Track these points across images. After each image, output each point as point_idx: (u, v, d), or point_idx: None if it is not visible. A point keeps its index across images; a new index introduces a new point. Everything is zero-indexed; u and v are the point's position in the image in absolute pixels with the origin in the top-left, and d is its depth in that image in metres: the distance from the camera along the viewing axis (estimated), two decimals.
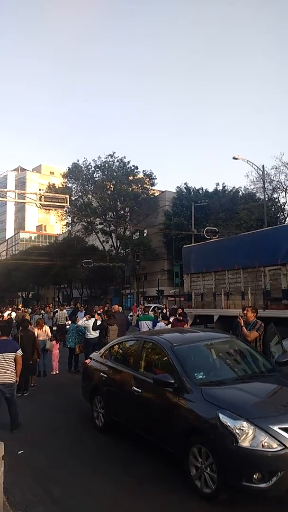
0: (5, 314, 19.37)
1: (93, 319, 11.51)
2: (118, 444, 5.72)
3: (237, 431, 3.73)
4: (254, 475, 3.59)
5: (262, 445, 3.62)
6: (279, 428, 3.72)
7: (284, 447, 3.60)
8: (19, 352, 6.47)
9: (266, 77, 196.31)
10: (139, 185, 40.76)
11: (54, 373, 11.19)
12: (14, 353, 6.34)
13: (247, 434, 3.70)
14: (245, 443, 3.66)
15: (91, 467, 4.95)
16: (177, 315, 11.60)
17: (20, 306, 29.43)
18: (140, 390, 5.24)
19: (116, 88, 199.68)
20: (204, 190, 40.75)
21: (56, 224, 68.00)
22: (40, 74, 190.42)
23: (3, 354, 6.20)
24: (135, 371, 5.59)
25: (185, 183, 41.40)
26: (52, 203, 17.37)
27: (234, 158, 24.78)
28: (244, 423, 3.77)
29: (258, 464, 3.62)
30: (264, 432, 3.69)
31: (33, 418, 7.06)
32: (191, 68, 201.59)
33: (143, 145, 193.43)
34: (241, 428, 3.74)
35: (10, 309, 25.77)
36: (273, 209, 31.87)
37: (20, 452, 5.48)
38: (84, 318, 11.97)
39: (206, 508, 3.88)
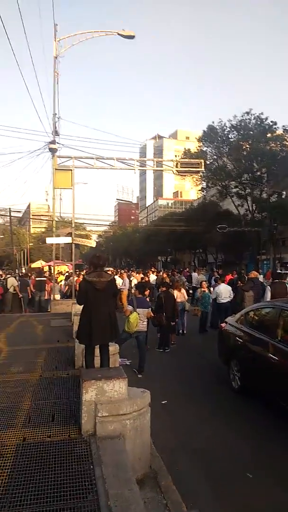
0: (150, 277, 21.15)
1: (224, 285, 11.86)
2: (252, 405, 5.87)
3: None
4: None
5: None
6: None
7: None
8: (149, 309, 8.00)
9: None
10: (278, 143, 37.68)
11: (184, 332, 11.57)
12: (147, 309, 7.84)
13: None
14: None
15: (226, 424, 5.28)
16: None
17: (153, 269, 32.04)
18: (277, 358, 5.23)
19: (249, 53, 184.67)
20: None
21: (191, 190, 68.62)
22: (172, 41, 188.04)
23: (146, 309, 7.74)
24: (272, 339, 5.56)
25: None
26: (187, 169, 17.55)
27: None
28: None
29: None
30: None
31: (174, 373, 7.68)
32: None
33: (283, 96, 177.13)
34: None
35: (150, 272, 28.05)
36: None
37: (164, 402, 6.11)
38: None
39: None
